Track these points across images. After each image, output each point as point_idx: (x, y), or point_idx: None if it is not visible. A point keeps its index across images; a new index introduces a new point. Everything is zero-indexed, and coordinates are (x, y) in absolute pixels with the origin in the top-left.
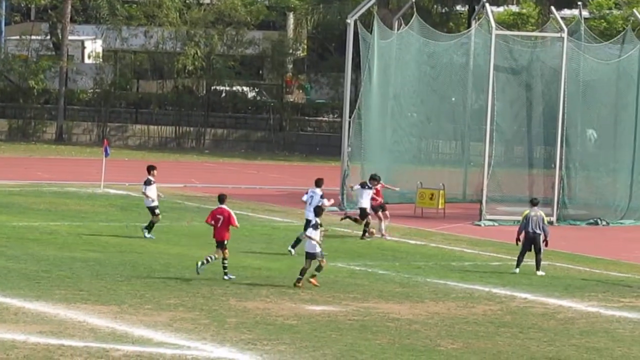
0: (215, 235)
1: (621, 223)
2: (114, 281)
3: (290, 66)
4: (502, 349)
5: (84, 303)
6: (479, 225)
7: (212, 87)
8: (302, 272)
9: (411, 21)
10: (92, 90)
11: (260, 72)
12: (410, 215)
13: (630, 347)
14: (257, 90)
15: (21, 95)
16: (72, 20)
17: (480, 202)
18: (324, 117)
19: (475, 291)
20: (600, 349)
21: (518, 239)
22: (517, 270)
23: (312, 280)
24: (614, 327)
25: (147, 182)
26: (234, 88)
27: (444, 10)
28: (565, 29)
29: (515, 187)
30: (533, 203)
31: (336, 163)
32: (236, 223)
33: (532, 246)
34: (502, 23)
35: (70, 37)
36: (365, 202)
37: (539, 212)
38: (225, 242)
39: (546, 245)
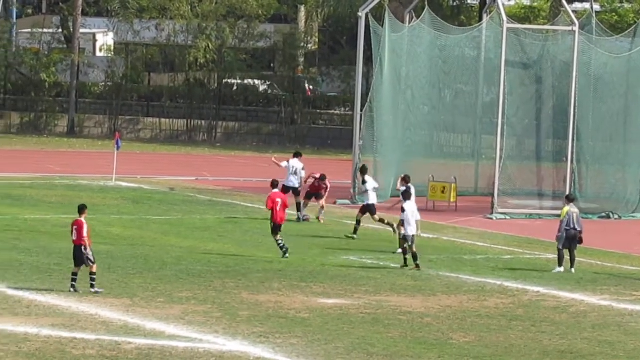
0: (277, 219)
1: (633, 216)
2: (125, 274)
3: (301, 59)
4: (514, 343)
5: (96, 296)
6: (491, 218)
7: (224, 80)
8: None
9: (422, 14)
10: (103, 83)
11: (272, 65)
12: (422, 209)
13: None
14: (268, 83)
15: (33, 88)
16: (84, 13)
17: (492, 195)
18: (335, 110)
19: (487, 284)
20: (613, 342)
21: (559, 237)
22: (562, 269)
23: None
24: (626, 320)
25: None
26: (246, 81)
27: (455, 4)
28: (577, 23)
29: (526, 181)
30: (569, 199)
31: (348, 156)
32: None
33: (570, 243)
34: (514, 16)
35: (81, 30)
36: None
37: (575, 208)
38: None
39: (581, 242)
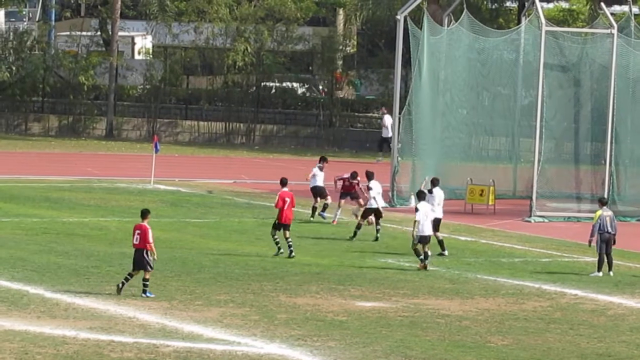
0: (283, 219)
1: None
2: (163, 277)
3: (339, 62)
4: (552, 346)
5: (134, 299)
6: (529, 221)
7: (262, 83)
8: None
9: (461, 17)
10: (142, 86)
11: (310, 68)
12: (460, 212)
13: None
14: (306, 86)
15: (71, 91)
16: (122, 16)
17: (530, 198)
18: (373, 113)
19: (525, 287)
20: None
21: (591, 241)
22: (600, 273)
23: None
24: None
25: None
26: (284, 84)
27: (493, 7)
28: (615, 25)
29: (564, 184)
30: (602, 202)
31: (386, 159)
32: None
33: (606, 246)
34: (552, 19)
35: (120, 33)
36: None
37: (609, 211)
38: (289, 225)
39: (614, 243)
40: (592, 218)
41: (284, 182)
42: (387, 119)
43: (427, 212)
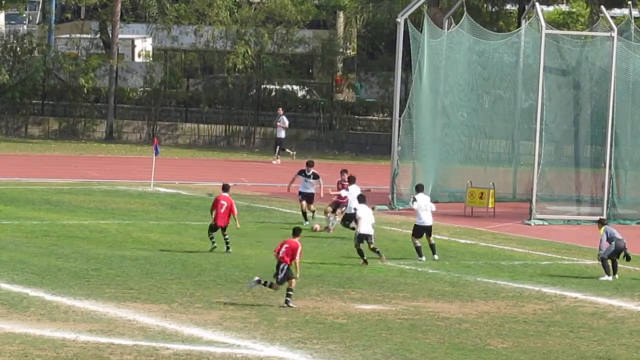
0: (218, 221)
1: None
2: (163, 280)
3: (340, 65)
4: (552, 348)
5: (133, 302)
6: (529, 224)
7: (262, 86)
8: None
9: (461, 20)
10: (142, 89)
11: (310, 70)
12: (460, 215)
13: None
14: (307, 89)
15: (71, 93)
16: (122, 19)
17: (530, 201)
18: (374, 116)
19: (525, 290)
20: None
21: (600, 254)
22: (611, 277)
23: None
24: None
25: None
26: (284, 87)
27: (494, 9)
28: (615, 29)
29: (564, 187)
30: (602, 223)
31: (386, 162)
32: (236, 211)
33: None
34: (552, 22)
35: (120, 36)
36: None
37: (612, 228)
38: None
39: (618, 257)
40: (592, 221)
41: (225, 188)
42: (283, 120)
43: (366, 215)
